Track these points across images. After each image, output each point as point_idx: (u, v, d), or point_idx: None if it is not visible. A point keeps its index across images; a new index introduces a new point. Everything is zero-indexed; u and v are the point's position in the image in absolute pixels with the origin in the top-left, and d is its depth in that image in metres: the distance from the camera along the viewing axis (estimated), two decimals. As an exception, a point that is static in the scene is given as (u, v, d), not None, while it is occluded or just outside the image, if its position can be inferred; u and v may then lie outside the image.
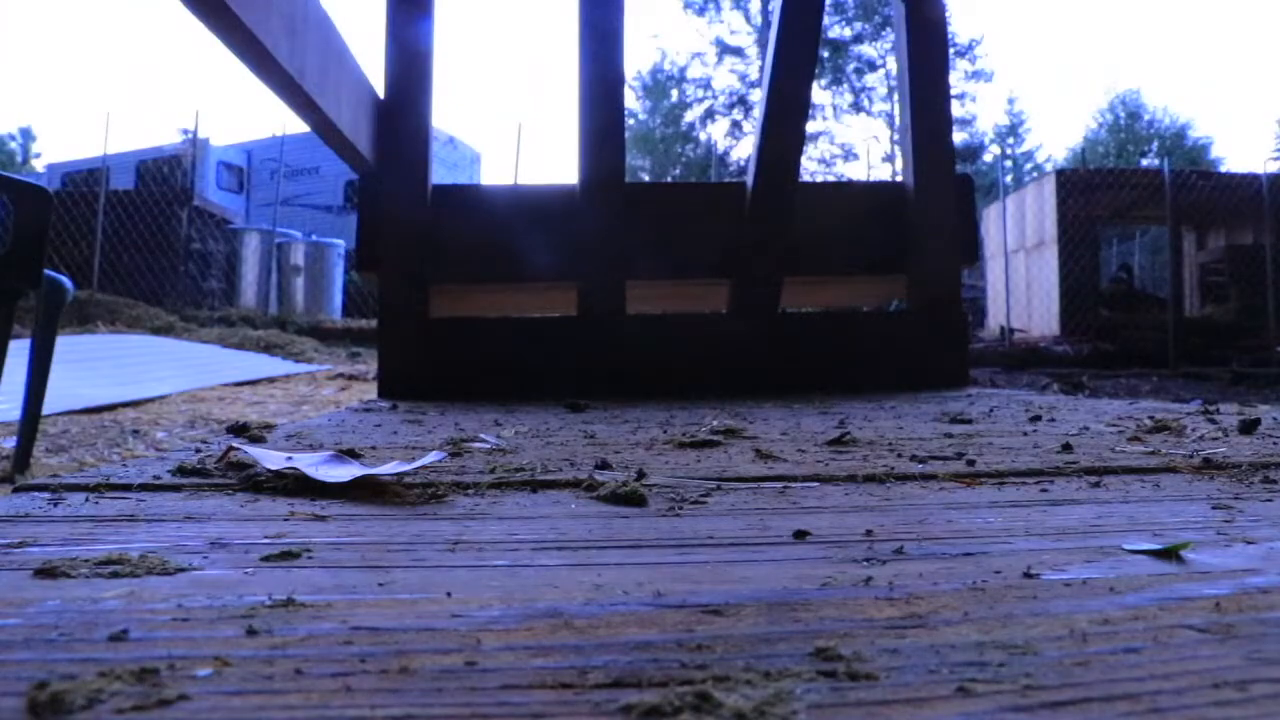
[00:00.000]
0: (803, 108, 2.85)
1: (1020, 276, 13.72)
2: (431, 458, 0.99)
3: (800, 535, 0.68)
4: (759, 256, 2.70)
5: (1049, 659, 0.41)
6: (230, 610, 0.49)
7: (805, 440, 1.31)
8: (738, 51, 31.28)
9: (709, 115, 32.51)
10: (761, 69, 3.45)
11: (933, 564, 0.59)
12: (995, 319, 13.99)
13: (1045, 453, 1.14)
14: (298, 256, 13.52)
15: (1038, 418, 1.64)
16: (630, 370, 2.49)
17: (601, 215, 2.60)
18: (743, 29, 31.42)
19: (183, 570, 0.58)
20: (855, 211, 2.90)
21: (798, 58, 2.76)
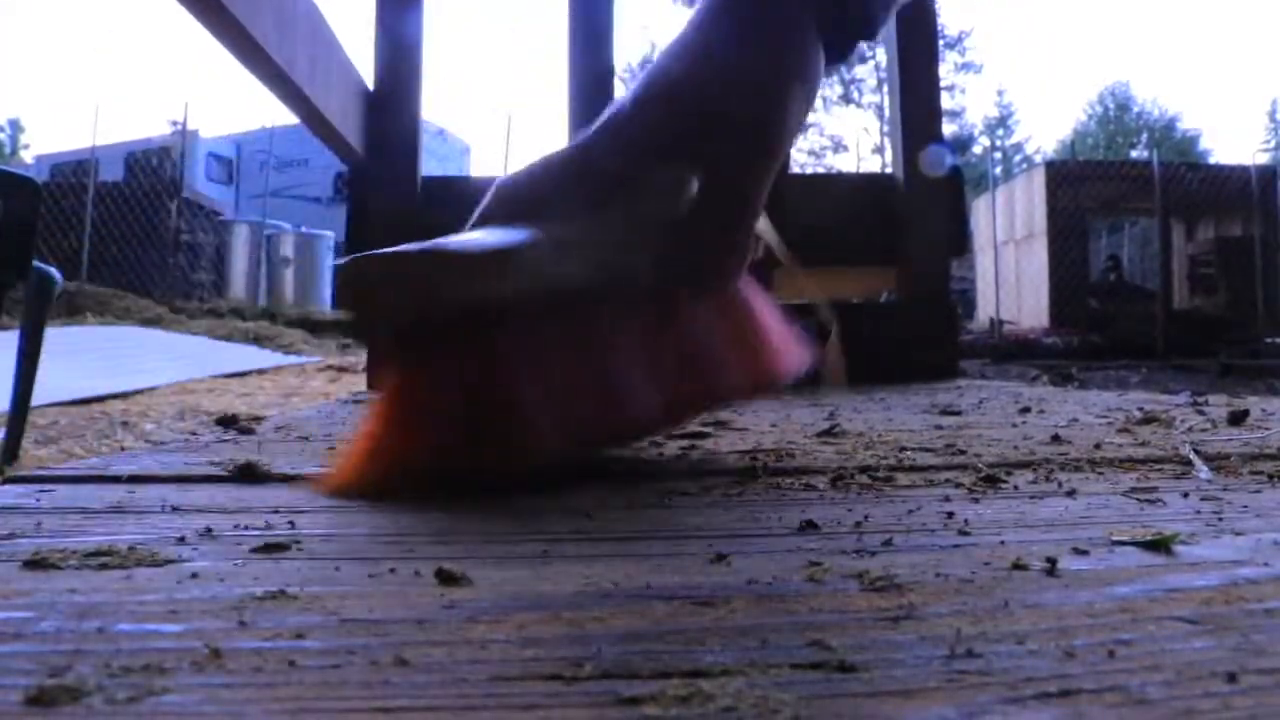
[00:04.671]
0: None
1: (1010, 268, 13.75)
2: None
3: (790, 527, 0.68)
4: (749, 248, 2.70)
5: (1038, 651, 0.41)
6: (220, 602, 0.49)
7: (795, 432, 1.31)
8: (728, 43, 31.15)
9: (699, 107, 32.38)
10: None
11: (922, 555, 0.60)
12: (984, 311, 14.02)
13: (1035, 444, 1.14)
14: (287, 248, 13.51)
15: (1027, 409, 1.64)
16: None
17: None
18: (733, 20, 31.27)
19: (172, 562, 0.58)
20: (844, 203, 2.90)
21: (788, 49, 2.76)
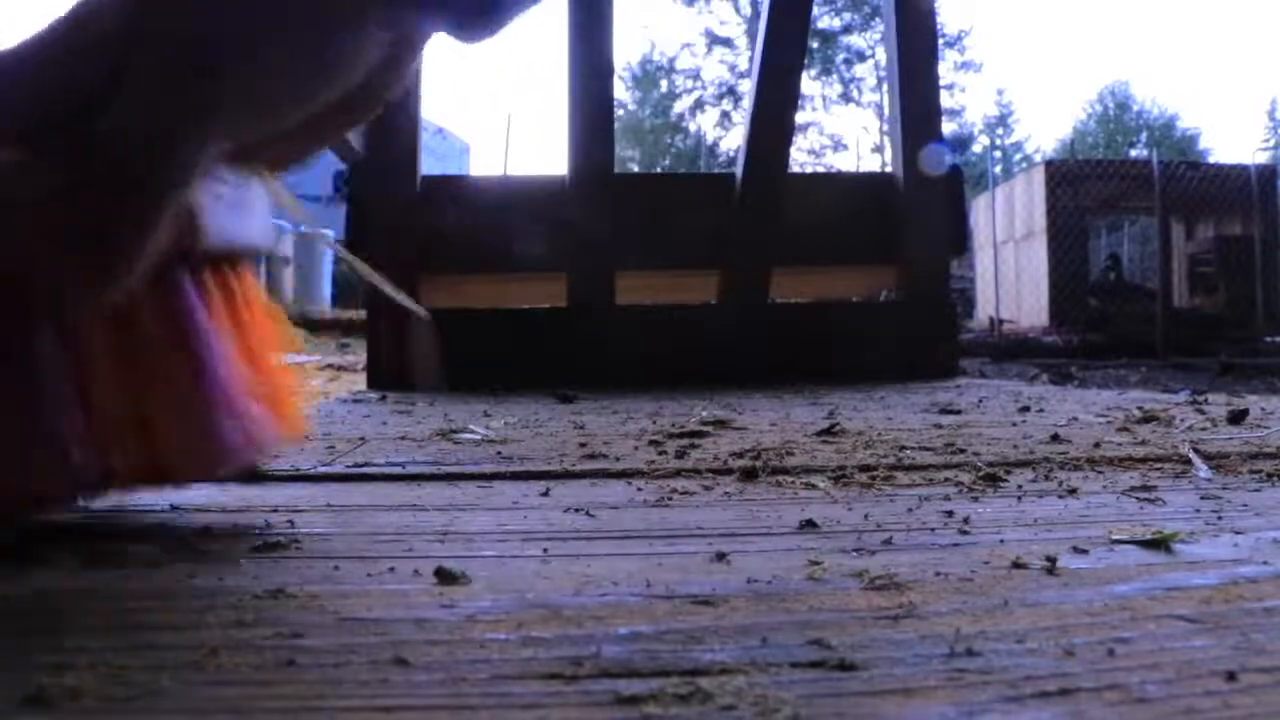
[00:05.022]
0: (792, 98, 2.85)
1: (1009, 267, 13.74)
2: None
3: (790, 526, 0.68)
4: (748, 247, 2.70)
5: (1038, 649, 0.41)
6: (219, 601, 0.49)
7: (794, 430, 1.31)
8: (727, 42, 31.26)
9: (698, 106, 32.51)
10: (751, 59, 3.45)
11: (922, 554, 0.60)
12: (984, 310, 14.02)
13: (1034, 443, 1.14)
14: (286, 247, 13.49)
15: (1026, 408, 1.64)
16: (619, 361, 2.49)
17: (591, 206, 2.60)
18: (732, 19, 31.40)
19: (171, 561, 0.58)
20: (844, 202, 2.89)
21: (787, 48, 2.76)
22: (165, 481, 0.68)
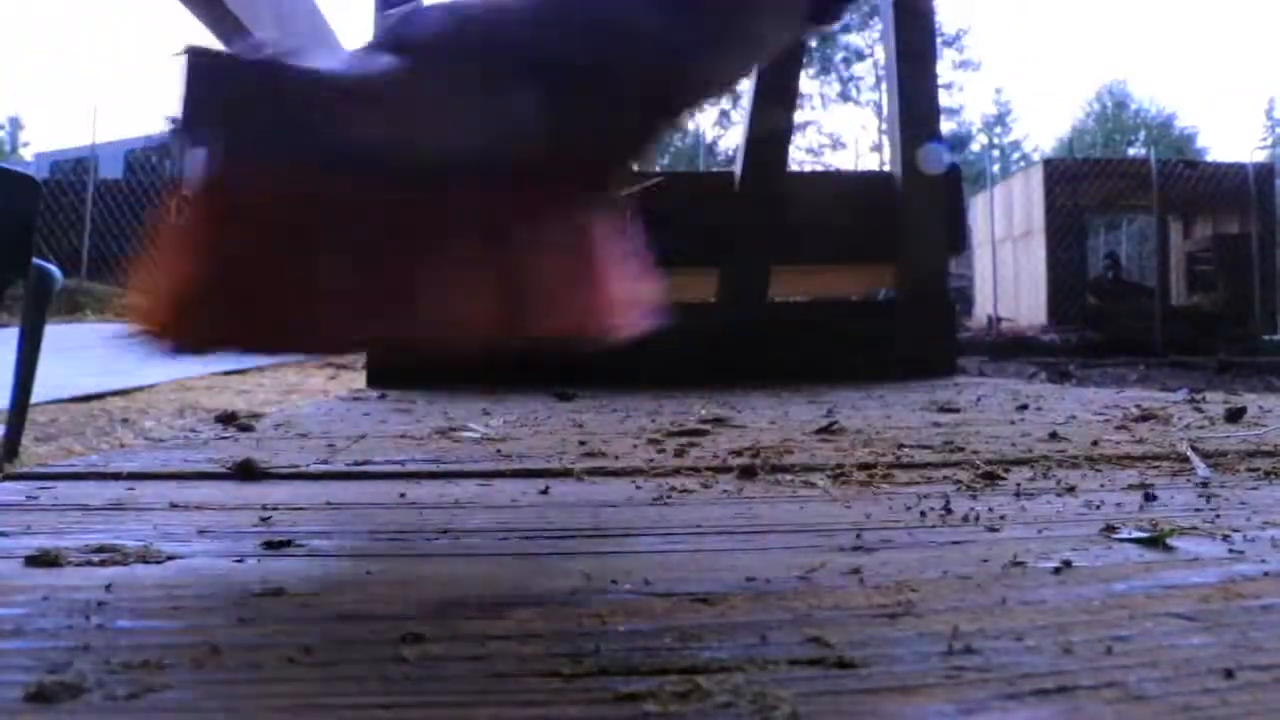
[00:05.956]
0: (791, 97, 2.85)
1: (1008, 266, 13.75)
2: None
3: (789, 523, 0.68)
4: (747, 246, 2.70)
5: (1036, 647, 0.41)
6: (220, 599, 0.49)
7: (793, 429, 1.31)
8: (726, 40, 31.14)
9: (697, 104, 32.44)
10: (750, 58, 3.43)
11: (921, 552, 0.60)
12: (983, 308, 14.02)
13: (1033, 441, 1.14)
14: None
15: (1025, 406, 1.64)
16: (617, 359, 2.49)
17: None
18: (731, 17, 31.27)
19: (172, 559, 0.58)
20: (843, 201, 2.90)
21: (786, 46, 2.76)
22: None
